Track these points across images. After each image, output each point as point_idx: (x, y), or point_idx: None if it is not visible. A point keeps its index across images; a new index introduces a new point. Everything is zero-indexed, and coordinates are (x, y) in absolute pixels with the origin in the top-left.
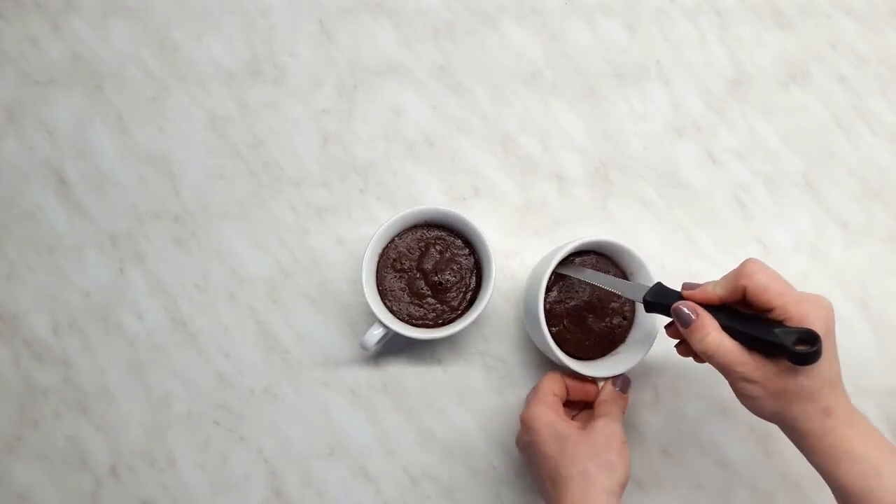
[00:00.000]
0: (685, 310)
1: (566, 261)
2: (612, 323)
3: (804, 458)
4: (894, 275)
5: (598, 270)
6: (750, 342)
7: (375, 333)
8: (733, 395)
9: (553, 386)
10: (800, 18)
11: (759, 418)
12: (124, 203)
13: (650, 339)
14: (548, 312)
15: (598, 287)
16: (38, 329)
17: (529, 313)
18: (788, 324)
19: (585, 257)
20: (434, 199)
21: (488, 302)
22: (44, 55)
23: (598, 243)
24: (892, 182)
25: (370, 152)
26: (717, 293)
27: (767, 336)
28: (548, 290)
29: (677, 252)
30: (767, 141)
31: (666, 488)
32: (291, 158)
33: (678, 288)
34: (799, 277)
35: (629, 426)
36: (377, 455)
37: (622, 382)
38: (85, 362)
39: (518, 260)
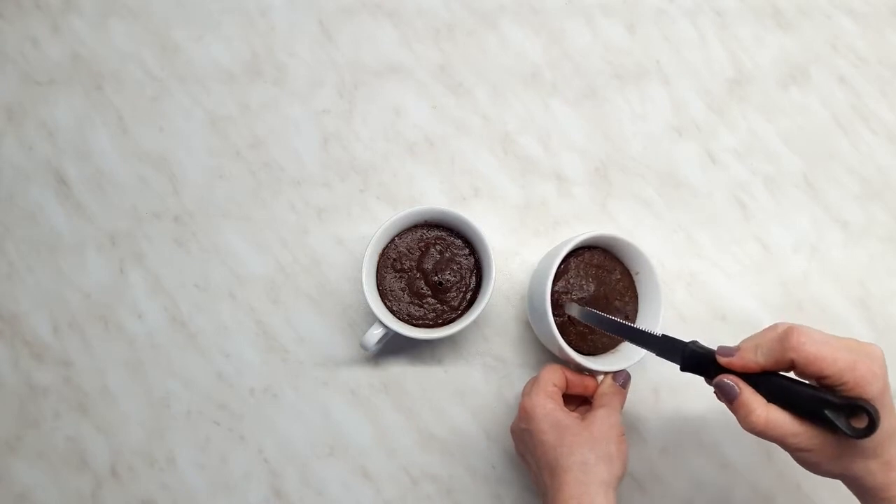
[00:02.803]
0: (729, 383)
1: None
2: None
3: None
4: (894, 275)
5: (603, 271)
6: (800, 411)
7: (375, 333)
8: None
9: (554, 377)
10: (800, 18)
11: None
12: (124, 203)
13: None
14: (553, 304)
15: (604, 284)
16: (38, 329)
17: (535, 305)
18: (843, 390)
19: (593, 252)
20: (434, 199)
21: (488, 302)
22: (44, 55)
23: (605, 238)
24: (892, 182)
25: (370, 152)
26: (758, 362)
27: (818, 414)
28: (554, 281)
29: (677, 252)
30: (767, 141)
31: (666, 488)
32: (291, 158)
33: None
34: (799, 277)
35: (629, 426)
36: (377, 455)
37: (623, 377)
38: (85, 362)
39: (518, 260)
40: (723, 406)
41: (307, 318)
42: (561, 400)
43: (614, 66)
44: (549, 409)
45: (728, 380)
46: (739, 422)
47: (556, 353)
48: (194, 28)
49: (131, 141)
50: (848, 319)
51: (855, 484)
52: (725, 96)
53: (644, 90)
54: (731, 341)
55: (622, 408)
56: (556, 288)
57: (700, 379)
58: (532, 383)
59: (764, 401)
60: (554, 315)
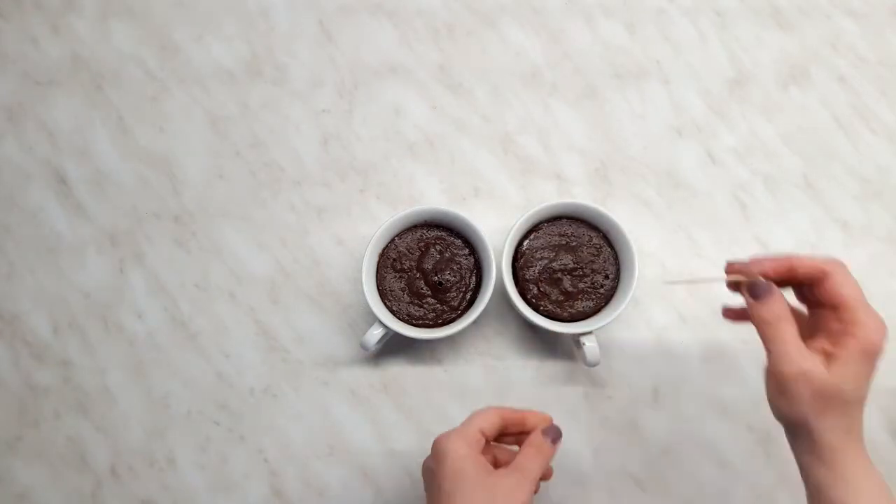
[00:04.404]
0: (762, 282)
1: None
2: (593, 282)
3: None
4: (894, 275)
5: (573, 234)
6: None
7: (375, 333)
8: (733, 394)
9: (484, 422)
10: (800, 18)
11: (758, 420)
12: (124, 203)
13: (628, 293)
14: (523, 278)
15: (572, 249)
16: (38, 329)
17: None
18: (848, 325)
19: (560, 222)
20: (434, 199)
21: (488, 302)
22: (44, 55)
23: (563, 207)
24: (892, 182)
25: (370, 152)
26: (795, 266)
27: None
28: (520, 255)
29: (677, 252)
30: (767, 141)
31: (666, 488)
32: (291, 158)
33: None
34: None
35: (629, 426)
36: (377, 455)
37: (553, 433)
38: (85, 362)
39: None
40: (723, 406)
41: (307, 318)
42: (480, 448)
43: (614, 66)
44: (460, 454)
45: (761, 278)
46: (759, 320)
47: (528, 321)
48: (194, 28)
49: (131, 141)
50: None
51: (815, 437)
52: (725, 96)
53: (644, 90)
54: (731, 341)
55: (542, 471)
56: (526, 256)
57: (700, 378)
58: (466, 420)
59: (788, 308)
60: (528, 284)
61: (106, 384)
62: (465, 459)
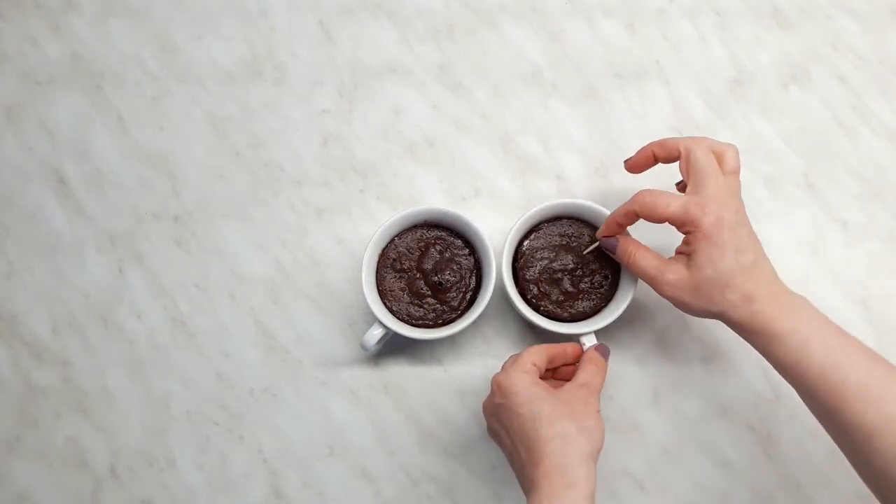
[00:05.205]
0: (609, 239)
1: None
2: (593, 282)
3: (804, 459)
4: (894, 275)
5: (573, 234)
6: None
7: (375, 333)
8: (733, 395)
9: (535, 357)
10: (800, 18)
11: (758, 420)
12: (124, 203)
13: (629, 293)
14: (523, 279)
15: (572, 249)
16: (38, 329)
17: (500, 277)
18: (684, 229)
19: (560, 222)
20: (434, 199)
21: (488, 302)
22: (44, 55)
23: (563, 207)
24: (892, 182)
25: (370, 152)
26: (617, 221)
27: None
28: (520, 255)
29: None
30: (767, 141)
31: (666, 488)
32: (291, 158)
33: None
34: (799, 277)
35: (630, 426)
36: (377, 455)
37: (603, 350)
38: (85, 362)
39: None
40: (723, 406)
41: (307, 318)
42: (538, 377)
43: (614, 66)
44: (527, 382)
45: (609, 238)
46: (629, 266)
47: (529, 321)
48: (194, 28)
49: (131, 141)
50: (848, 319)
51: (726, 319)
52: (725, 96)
53: (644, 90)
54: (731, 341)
55: (602, 382)
56: (526, 256)
57: (700, 378)
58: (511, 360)
59: (638, 245)
60: (528, 284)
61: (105, 384)
62: (534, 385)
